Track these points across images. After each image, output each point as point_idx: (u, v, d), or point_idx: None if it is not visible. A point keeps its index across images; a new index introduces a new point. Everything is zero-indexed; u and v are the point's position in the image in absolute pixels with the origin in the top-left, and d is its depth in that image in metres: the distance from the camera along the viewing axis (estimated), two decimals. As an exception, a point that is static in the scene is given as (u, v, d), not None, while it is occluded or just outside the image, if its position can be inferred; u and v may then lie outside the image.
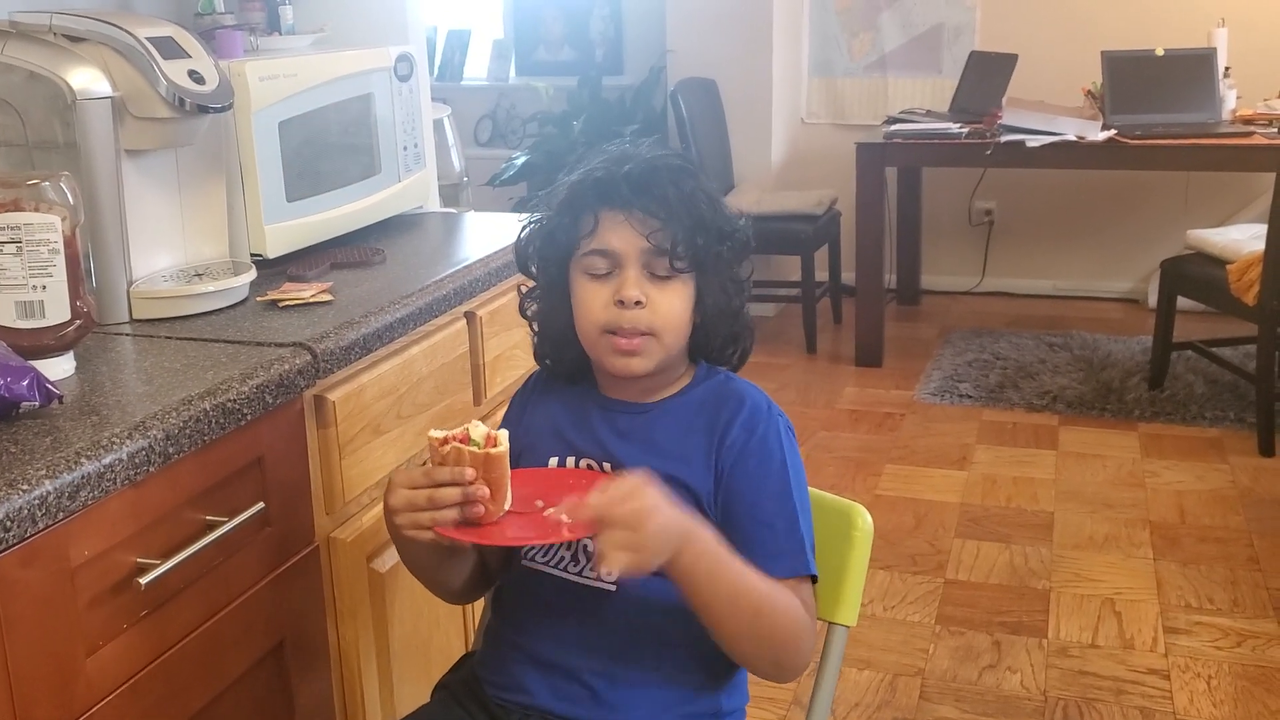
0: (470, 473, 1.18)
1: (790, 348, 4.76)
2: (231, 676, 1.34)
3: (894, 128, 4.48)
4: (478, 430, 1.20)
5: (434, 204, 2.31)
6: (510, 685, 1.32)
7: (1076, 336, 4.65)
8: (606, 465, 1.31)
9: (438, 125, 2.46)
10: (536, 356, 1.39)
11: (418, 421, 1.69)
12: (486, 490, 1.19)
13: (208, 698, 1.30)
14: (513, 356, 1.98)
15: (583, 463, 1.33)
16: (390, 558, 1.61)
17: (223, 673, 1.32)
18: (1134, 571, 2.91)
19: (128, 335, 1.52)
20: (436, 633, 1.77)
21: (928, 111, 4.79)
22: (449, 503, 1.19)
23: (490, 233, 2.09)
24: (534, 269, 1.35)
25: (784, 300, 5.04)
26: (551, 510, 1.24)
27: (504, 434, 1.21)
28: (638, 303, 1.25)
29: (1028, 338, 4.69)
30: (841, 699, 2.41)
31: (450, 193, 2.53)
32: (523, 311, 1.39)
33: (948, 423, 3.93)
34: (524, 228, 1.36)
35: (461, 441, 1.19)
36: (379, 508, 1.60)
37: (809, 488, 1.33)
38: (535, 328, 1.38)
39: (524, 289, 1.41)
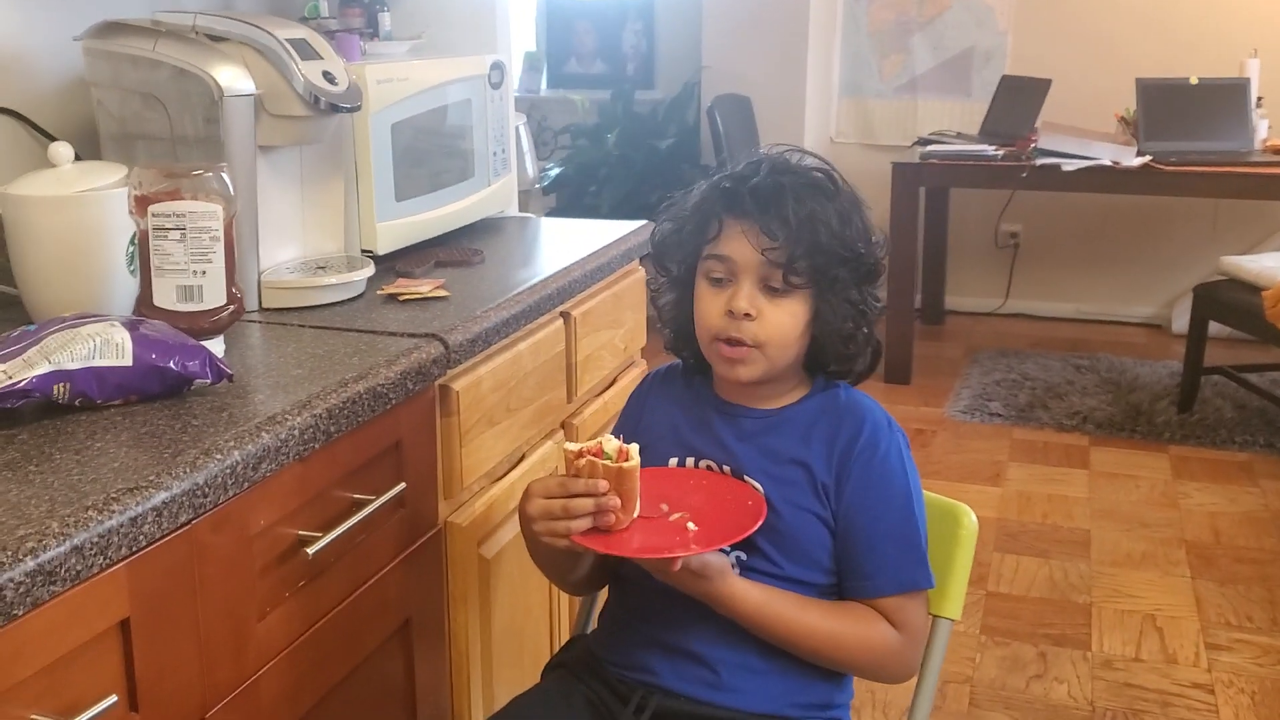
0: (604, 484, 1.25)
1: (820, 362, 4.81)
2: (367, 650, 1.39)
3: (929, 149, 4.56)
4: (610, 444, 1.27)
5: (514, 209, 2.37)
6: (634, 665, 1.37)
7: (1103, 359, 4.72)
8: (726, 467, 1.37)
9: (515, 133, 2.52)
10: (669, 348, 1.46)
11: (523, 415, 1.75)
12: (619, 501, 1.26)
13: (347, 669, 1.36)
14: (600, 357, 2.04)
15: (702, 463, 1.39)
16: (496, 544, 1.68)
17: (361, 646, 1.38)
18: (1172, 589, 2.97)
19: (258, 323, 1.58)
20: (529, 621, 1.83)
21: (958, 134, 4.86)
22: (583, 512, 1.26)
23: (572, 237, 2.15)
24: (668, 263, 1.41)
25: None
26: (677, 515, 1.31)
27: (635, 448, 1.28)
28: (746, 315, 1.30)
29: (1054, 359, 4.75)
30: (893, 704, 2.47)
31: (523, 198, 2.59)
32: (654, 303, 1.47)
33: (979, 440, 3.99)
34: (659, 223, 1.42)
35: (595, 455, 1.26)
36: (489, 495, 1.67)
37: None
38: (662, 319, 1.44)
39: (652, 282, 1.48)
